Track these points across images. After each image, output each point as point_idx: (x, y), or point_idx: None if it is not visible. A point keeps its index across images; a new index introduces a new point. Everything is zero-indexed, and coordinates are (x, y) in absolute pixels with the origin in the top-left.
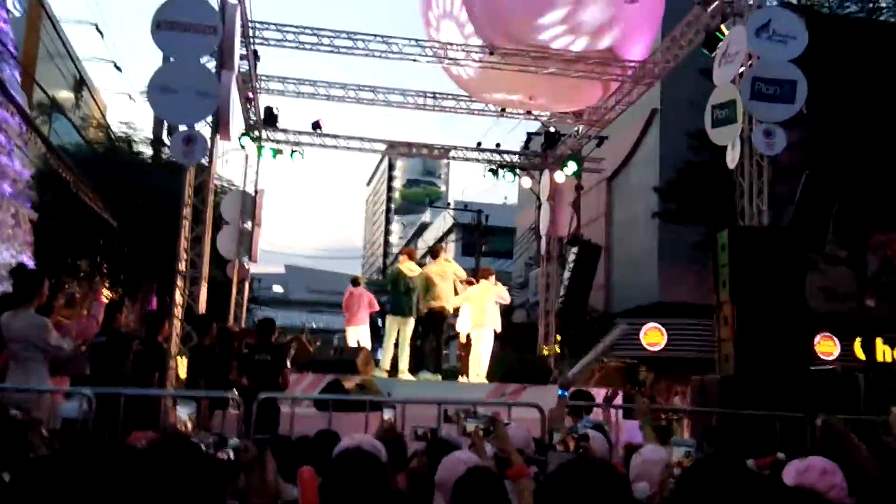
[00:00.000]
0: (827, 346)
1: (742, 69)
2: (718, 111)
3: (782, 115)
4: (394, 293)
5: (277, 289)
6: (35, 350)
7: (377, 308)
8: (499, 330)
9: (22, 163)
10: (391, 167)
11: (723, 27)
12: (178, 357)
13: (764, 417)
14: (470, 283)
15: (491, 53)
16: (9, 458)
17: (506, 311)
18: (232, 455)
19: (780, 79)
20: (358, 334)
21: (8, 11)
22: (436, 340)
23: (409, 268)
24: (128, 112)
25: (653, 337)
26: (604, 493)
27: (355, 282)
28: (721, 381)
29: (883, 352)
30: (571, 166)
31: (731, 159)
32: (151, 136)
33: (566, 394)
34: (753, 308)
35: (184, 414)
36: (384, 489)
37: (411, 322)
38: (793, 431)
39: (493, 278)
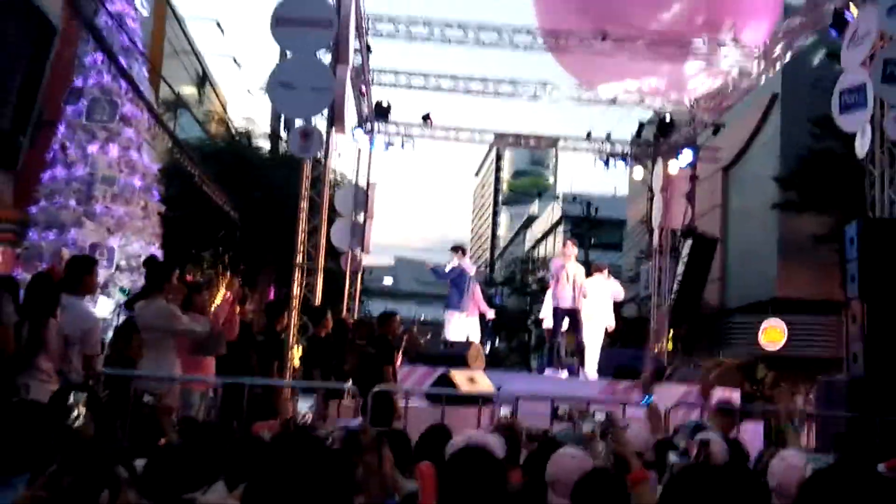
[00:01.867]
0: None
1: (873, 51)
2: (847, 96)
3: None
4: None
5: (387, 280)
6: (165, 337)
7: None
8: (612, 326)
9: (150, 157)
10: (499, 158)
11: (852, 6)
12: (294, 348)
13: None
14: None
15: (603, 39)
16: (142, 444)
17: (616, 306)
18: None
19: None
20: (468, 327)
21: (136, 10)
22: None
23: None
24: (246, 107)
25: (772, 334)
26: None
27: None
28: (850, 382)
29: None
30: (686, 155)
31: (861, 147)
32: (269, 131)
33: (651, 400)
34: (885, 305)
35: (304, 406)
36: (501, 486)
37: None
38: None
39: (606, 272)
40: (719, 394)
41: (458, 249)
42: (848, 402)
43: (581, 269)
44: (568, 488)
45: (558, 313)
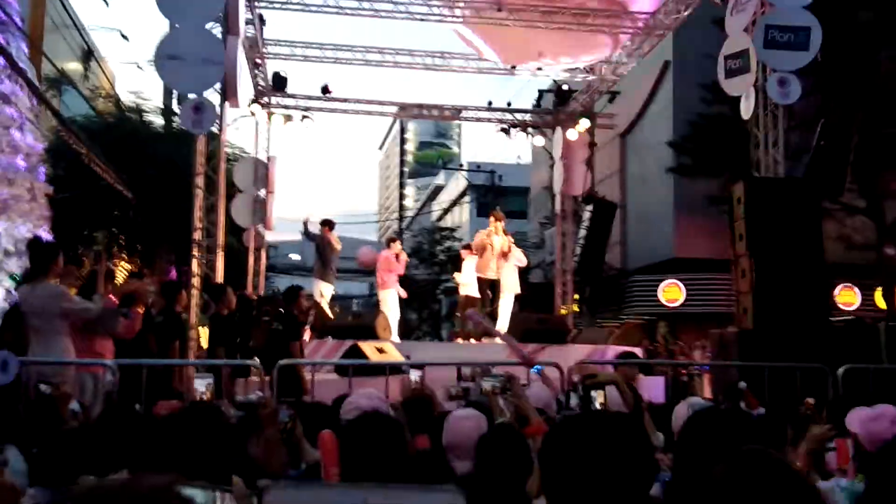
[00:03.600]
0: (847, 297)
1: (755, 17)
2: (731, 61)
3: (797, 63)
4: None
5: (295, 256)
6: (56, 322)
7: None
8: (518, 292)
9: (34, 136)
10: (403, 130)
11: None
12: (200, 327)
13: (784, 369)
14: (469, 249)
15: (499, 10)
16: (41, 433)
17: (523, 272)
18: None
19: (793, 26)
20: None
21: None
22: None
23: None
24: (137, 82)
25: (671, 293)
26: (612, 440)
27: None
28: (740, 334)
29: None
30: (584, 123)
31: (746, 110)
32: (161, 106)
33: (541, 369)
34: (771, 260)
35: (202, 385)
36: (401, 449)
37: None
38: (813, 383)
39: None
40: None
41: (325, 224)
42: (739, 352)
43: (505, 240)
44: (465, 450)
45: (485, 283)
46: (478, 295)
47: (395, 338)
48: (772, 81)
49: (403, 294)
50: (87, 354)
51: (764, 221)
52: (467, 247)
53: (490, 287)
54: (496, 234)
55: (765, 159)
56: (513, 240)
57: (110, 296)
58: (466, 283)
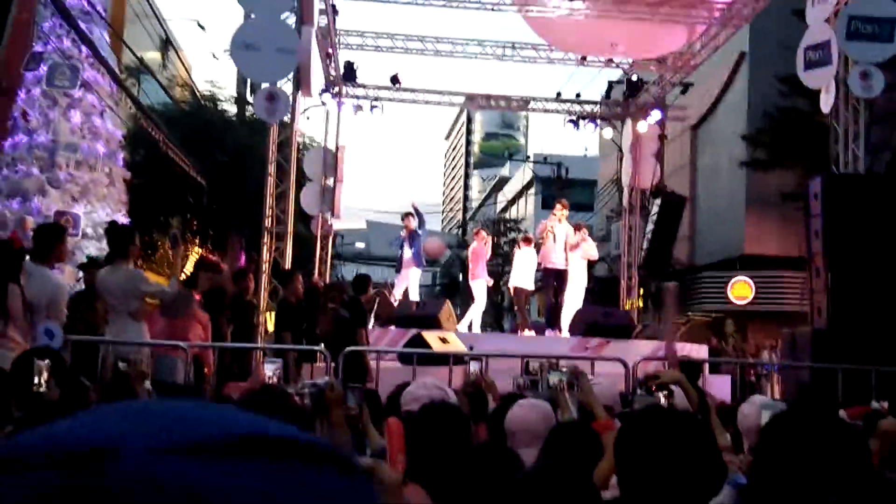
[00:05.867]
0: None
1: (837, 7)
2: (812, 53)
3: (880, 55)
4: None
5: (360, 245)
6: (133, 303)
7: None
8: (586, 285)
9: (114, 123)
10: (469, 120)
11: None
12: (268, 312)
13: (859, 371)
14: (528, 241)
15: None
16: None
17: (588, 265)
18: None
19: (877, 17)
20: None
21: None
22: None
23: None
24: (212, 71)
25: (740, 290)
26: (686, 438)
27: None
28: (814, 334)
29: None
30: (655, 115)
31: (826, 103)
32: (235, 94)
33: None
34: (848, 258)
35: (270, 370)
36: (465, 439)
37: None
38: (890, 385)
39: (584, 231)
40: (687, 349)
41: (407, 215)
42: (812, 353)
43: (570, 230)
44: (529, 437)
45: (549, 273)
46: (530, 287)
47: (477, 329)
48: (854, 74)
49: (490, 282)
50: (172, 338)
51: (842, 218)
52: (526, 238)
53: (556, 277)
54: (559, 223)
55: (844, 155)
56: (587, 232)
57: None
58: (518, 274)
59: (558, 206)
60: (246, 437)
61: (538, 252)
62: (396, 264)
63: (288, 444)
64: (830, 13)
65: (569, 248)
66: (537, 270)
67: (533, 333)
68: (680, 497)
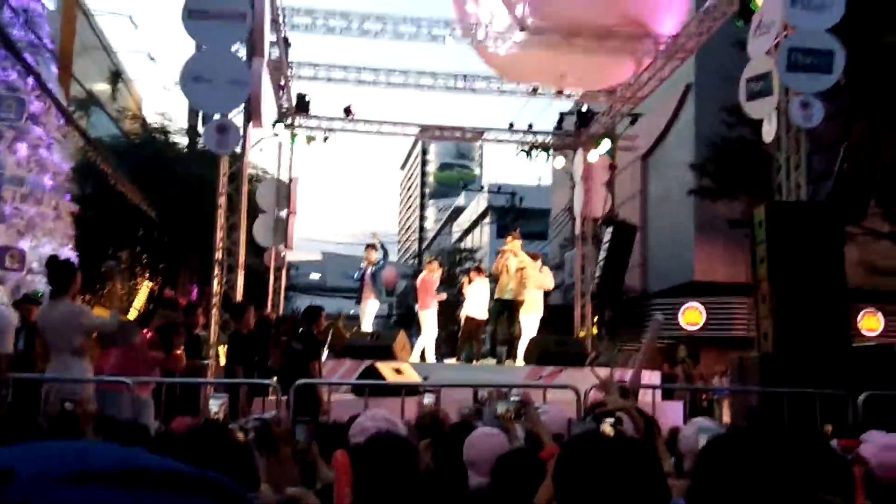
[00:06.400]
0: (871, 322)
1: (777, 40)
2: (753, 84)
3: (819, 86)
4: None
5: (315, 276)
6: (76, 339)
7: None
8: (541, 314)
9: (61, 156)
10: (424, 151)
11: None
12: (219, 346)
13: (804, 395)
14: (479, 272)
15: (521, 30)
16: None
17: (544, 294)
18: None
19: (816, 49)
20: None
21: (43, 5)
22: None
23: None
24: (164, 103)
25: (691, 316)
26: (624, 463)
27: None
28: (760, 358)
29: None
30: (605, 145)
31: (768, 133)
32: (187, 126)
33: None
34: (792, 284)
35: (215, 405)
36: (412, 468)
37: None
38: (833, 409)
39: (539, 262)
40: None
41: (369, 247)
42: (760, 377)
43: (524, 257)
44: (486, 466)
45: (502, 304)
46: (483, 317)
47: (432, 358)
48: (794, 104)
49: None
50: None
51: (785, 245)
52: (477, 269)
53: (508, 308)
54: (514, 255)
55: (787, 183)
56: (541, 262)
57: (147, 331)
58: (471, 304)
59: (508, 238)
60: (131, 470)
61: (495, 283)
62: (357, 295)
63: (172, 476)
64: (771, 45)
65: (521, 277)
66: (491, 300)
67: (493, 362)
68: None
